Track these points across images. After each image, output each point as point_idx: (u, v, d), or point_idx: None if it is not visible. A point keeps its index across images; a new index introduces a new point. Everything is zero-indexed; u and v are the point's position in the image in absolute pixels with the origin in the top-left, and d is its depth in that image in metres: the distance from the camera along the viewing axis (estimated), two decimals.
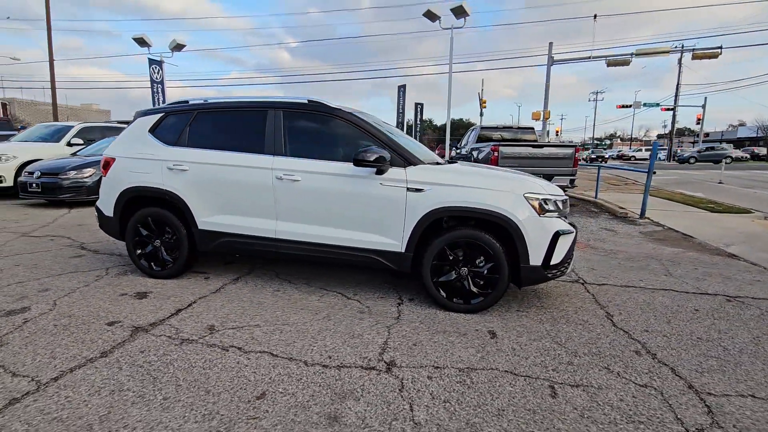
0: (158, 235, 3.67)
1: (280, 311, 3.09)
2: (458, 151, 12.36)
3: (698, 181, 16.77)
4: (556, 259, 3.04)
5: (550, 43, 20.11)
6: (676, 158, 40.68)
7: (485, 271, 3.06)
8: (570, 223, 3.25)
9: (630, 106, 38.26)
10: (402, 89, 12.91)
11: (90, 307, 3.08)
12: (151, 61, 16.83)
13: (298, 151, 3.36)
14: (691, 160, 36.10)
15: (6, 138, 9.88)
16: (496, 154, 8.54)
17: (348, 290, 3.56)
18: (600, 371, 2.36)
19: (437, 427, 1.86)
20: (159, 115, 3.71)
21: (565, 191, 9.41)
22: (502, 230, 3.00)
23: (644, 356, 2.54)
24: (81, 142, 9.02)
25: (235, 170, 3.39)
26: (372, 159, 2.98)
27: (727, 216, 8.07)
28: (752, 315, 3.21)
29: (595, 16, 20.08)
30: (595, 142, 78.15)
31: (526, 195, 2.97)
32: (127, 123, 4.05)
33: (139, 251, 3.72)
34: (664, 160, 44.82)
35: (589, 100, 63.36)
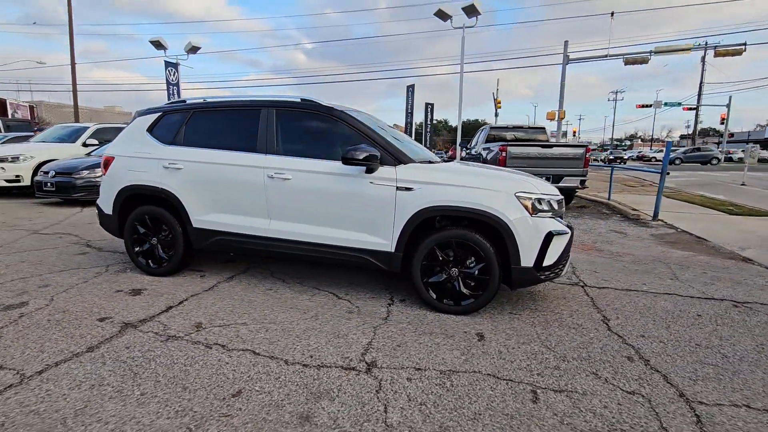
0: (155, 233, 3.72)
1: (269, 310, 3.09)
2: (468, 151, 12.24)
3: (720, 183, 16.21)
4: (549, 261, 2.96)
5: (566, 42, 19.76)
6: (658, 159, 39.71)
7: (476, 272, 3.00)
8: (567, 224, 3.17)
9: (650, 105, 37.30)
10: (410, 89, 12.87)
11: (85, 303, 3.14)
12: (167, 64, 17.21)
13: (290, 150, 3.36)
14: (677, 161, 35.49)
15: (26, 139, 10.21)
16: (504, 154, 8.42)
17: (340, 290, 3.55)
18: (587, 377, 2.28)
19: (409, 430, 1.82)
20: (156, 115, 3.77)
21: (575, 192, 9.30)
22: (493, 230, 2.94)
23: (636, 362, 2.45)
24: (96, 142, 9.26)
25: (228, 169, 3.42)
26: (361, 157, 2.96)
27: (746, 219, 7.77)
28: (758, 321, 3.06)
29: (612, 14, 19.64)
30: (615, 142, 76.46)
31: (517, 194, 2.90)
32: None
33: (137, 249, 3.78)
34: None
35: (609, 100, 62.04)
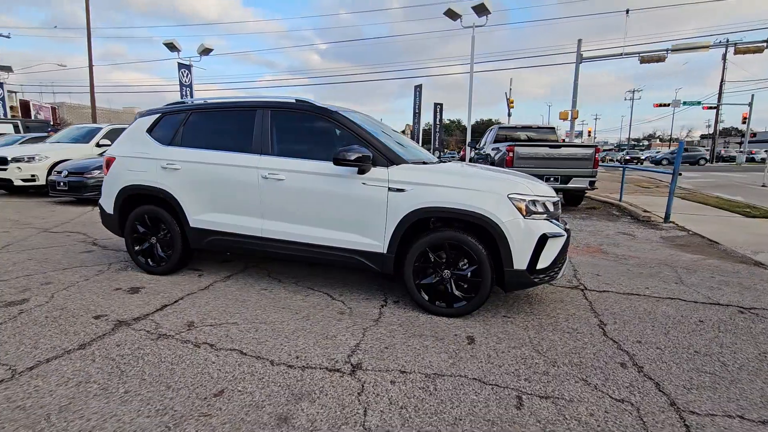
0: (154, 232, 3.78)
1: (261, 310, 3.10)
2: (477, 151, 12.13)
3: (739, 184, 15.75)
4: (543, 264, 2.90)
5: (579, 40, 19.43)
6: (650, 160, 40.08)
7: (468, 275, 2.96)
8: (563, 226, 3.11)
9: (669, 104, 36.41)
10: (418, 89, 12.78)
11: (83, 301, 3.20)
12: (180, 65, 17.51)
13: (284, 151, 3.37)
14: (664, 162, 35.64)
15: (42, 139, 10.49)
16: (511, 154, 8.33)
17: (335, 291, 3.54)
18: (576, 383, 2.22)
19: None
20: (156, 116, 3.82)
21: (585, 193, 9.13)
22: (485, 232, 2.90)
23: (629, 369, 2.38)
24: (109, 143, 9.45)
25: (223, 169, 3.45)
26: (352, 158, 2.95)
27: (764, 221, 7.52)
28: (764, 328, 2.95)
29: (627, 11, 19.24)
30: (632, 142, 74.91)
31: (510, 196, 2.85)
32: None
33: (137, 247, 3.84)
34: (705, 163, 42.45)
35: (625, 99, 60.79)
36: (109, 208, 3.88)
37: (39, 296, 3.28)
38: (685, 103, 36.04)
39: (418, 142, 13.25)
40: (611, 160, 42.74)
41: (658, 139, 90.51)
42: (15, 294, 3.31)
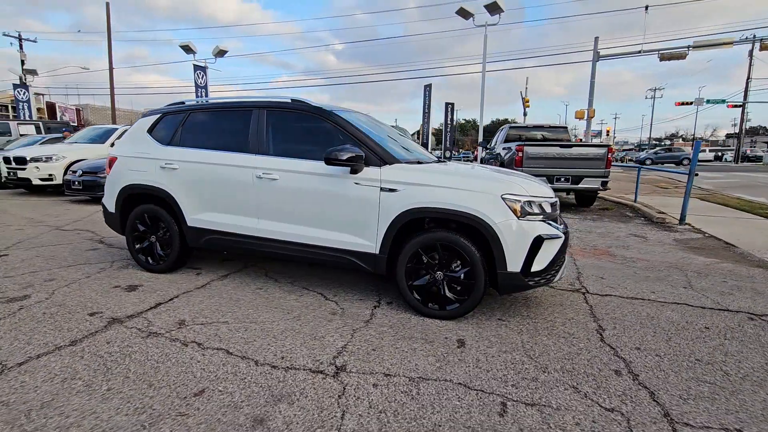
0: (154, 231, 3.82)
1: (253, 309, 3.10)
2: (488, 151, 11.98)
3: (764, 185, 15.15)
4: (538, 266, 2.82)
5: (596, 38, 19.01)
6: (633, 159, 39.54)
7: (461, 276, 2.89)
8: (562, 228, 3.02)
9: (691, 103, 35.32)
10: (427, 88, 12.67)
11: (81, 298, 3.25)
12: (196, 67, 17.82)
13: (280, 150, 3.37)
14: (647, 162, 35.14)
15: (60, 140, 10.80)
16: (520, 154, 8.19)
17: (329, 291, 3.52)
18: (565, 390, 2.14)
19: None
20: (157, 116, 3.87)
21: (597, 194, 8.91)
22: (478, 233, 2.83)
23: (624, 376, 2.29)
24: None
25: (220, 169, 3.46)
26: (344, 158, 2.92)
27: None
28: None
29: (646, 8, 18.74)
30: (653, 142, 72.99)
31: (504, 196, 2.78)
32: None
33: (137, 246, 3.90)
34: (731, 161, 41.12)
35: (646, 98, 59.25)
36: (111, 207, 3.95)
37: (40, 293, 3.35)
38: (708, 101, 34.92)
39: (427, 142, 13.16)
40: (630, 160, 41.75)
41: (680, 139, 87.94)
42: (18, 290, 3.39)
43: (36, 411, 1.90)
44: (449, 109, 14.82)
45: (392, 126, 12.60)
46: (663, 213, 7.97)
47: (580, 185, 8.16)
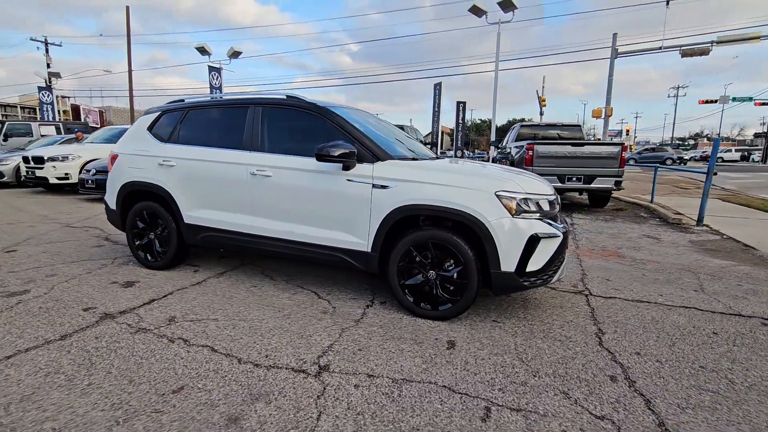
0: (152, 228, 3.85)
1: (245, 307, 3.08)
2: (500, 150, 11.79)
3: None
4: (534, 266, 2.71)
5: (614, 34, 18.51)
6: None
7: (455, 276, 2.81)
8: (562, 226, 2.90)
9: (716, 101, 34.15)
10: (437, 87, 12.54)
11: (78, 293, 3.29)
12: (211, 68, 18.09)
13: (274, 147, 3.34)
14: (630, 162, 34.19)
15: (75, 140, 11.08)
16: (530, 153, 8.01)
17: (323, 289, 3.48)
18: (555, 396, 2.05)
19: None
20: (156, 114, 3.90)
21: (611, 194, 8.65)
22: (471, 232, 2.75)
23: (620, 383, 2.17)
24: None
25: (215, 166, 3.46)
26: (336, 154, 2.87)
27: None
28: None
29: (667, 2, 18.15)
30: (676, 142, 70.90)
31: (498, 193, 2.69)
32: None
33: (137, 242, 3.93)
34: (758, 161, 39.66)
35: (669, 96, 57.63)
36: (112, 204, 4.00)
37: (40, 287, 3.40)
38: (734, 99, 33.69)
39: (437, 142, 13.03)
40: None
41: (705, 138, 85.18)
42: (19, 285, 3.46)
43: (15, 404, 1.90)
44: (461, 108, 14.66)
45: (405, 126, 12.55)
46: (680, 214, 7.68)
47: (592, 185, 7.94)
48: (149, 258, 3.89)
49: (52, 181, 9.08)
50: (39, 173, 9.09)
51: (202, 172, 3.51)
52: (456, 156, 15.72)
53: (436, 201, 2.74)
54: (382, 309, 3.08)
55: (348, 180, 3.00)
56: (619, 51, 18.72)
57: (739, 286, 3.76)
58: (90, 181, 8.10)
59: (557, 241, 2.80)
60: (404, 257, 2.91)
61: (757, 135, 70.98)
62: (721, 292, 3.58)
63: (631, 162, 34.99)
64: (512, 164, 9.01)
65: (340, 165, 2.98)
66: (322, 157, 2.88)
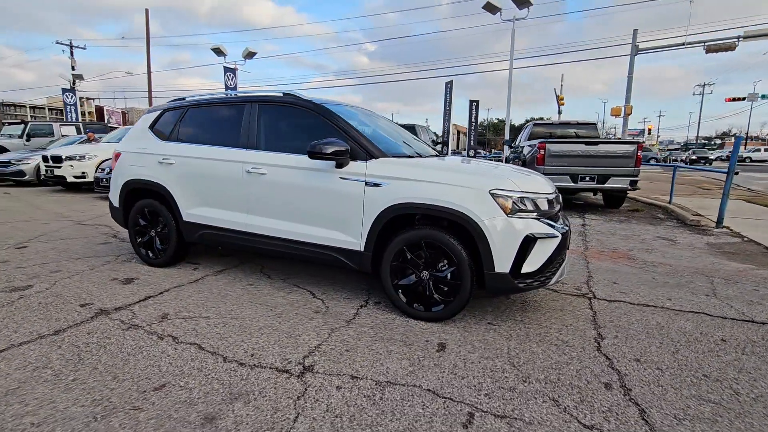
0: (153, 225, 3.89)
1: (238, 305, 3.07)
2: (513, 149, 11.59)
3: None
4: (530, 267, 2.62)
5: (635, 30, 18.01)
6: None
7: (448, 276, 2.74)
8: (562, 226, 2.80)
9: (743, 99, 32.90)
10: (448, 86, 12.39)
11: (78, 289, 3.34)
12: (226, 69, 18.35)
13: (270, 145, 3.33)
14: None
15: (88, 140, 11.37)
16: (542, 152, 7.84)
17: (318, 288, 3.45)
18: (543, 402, 1.96)
19: None
20: (158, 113, 3.94)
21: (626, 194, 8.39)
22: (465, 231, 2.67)
23: (614, 391, 2.07)
24: None
25: (213, 164, 3.47)
26: (328, 152, 2.83)
27: None
28: None
29: None
30: (702, 141, 68.60)
31: (492, 192, 2.60)
32: None
33: (138, 240, 3.98)
34: None
35: (694, 94, 55.82)
36: (116, 201, 4.06)
37: (43, 283, 3.47)
38: (763, 96, 32.42)
39: (448, 141, 12.90)
40: (674, 160, 39.44)
41: (733, 137, 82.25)
42: (24, 280, 3.53)
43: None
44: (473, 106, 14.48)
45: (417, 125, 12.46)
46: (699, 215, 7.40)
47: (606, 185, 7.72)
48: (150, 255, 3.93)
49: (70, 179, 9.33)
50: (57, 172, 9.36)
51: (200, 170, 3.52)
52: (469, 155, 15.54)
53: (428, 199, 2.68)
54: (376, 309, 3.03)
55: (341, 178, 2.96)
56: (639, 47, 18.20)
57: (755, 291, 3.58)
58: (104, 180, 8.28)
59: (555, 242, 2.69)
60: (397, 257, 2.85)
61: None
62: (735, 297, 3.41)
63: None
64: (524, 163, 8.84)
65: (333, 163, 2.94)
66: (314, 155, 2.85)
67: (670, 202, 8.88)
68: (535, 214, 2.67)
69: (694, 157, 37.81)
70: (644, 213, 8.04)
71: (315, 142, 2.86)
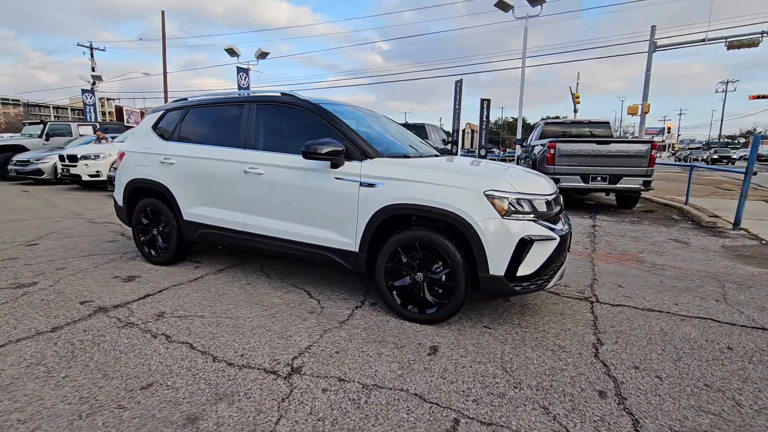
0: (155, 224, 3.94)
1: (234, 304, 3.08)
2: (524, 149, 11.42)
3: None
4: (525, 270, 2.56)
5: (653, 27, 17.55)
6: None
7: (443, 278, 2.69)
8: (561, 228, 2.73)
9: (767, 96, 31.80)
10: (458, 84, 12.27)
11: (80, 287, 3.39)
12: (239, 69, 18.54)
13: (268, 145, 3.33)
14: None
15: (97, 140, 11.61)
16: (552, 151, 7.69)
17: (316, 289, 3.44)
18: (533, 410, 1.90)
19: None
20: (161, 113, 3.98)
21: (640, 195, 8.18)
22: (459, 233, 2.62)
23: (608, 399, 2.00)
24: None
25: (211, 163, 3.49)
26: (323, 152, 2.81)
27: None
28: None
29: None
30: (725, 140, 66.61)
31: (487, 193, 2.55)
32: None
33: (141, 238, 4.03)
34: None
35: (717, 92, 54.20)
36: (120, 200, 4.12)
37: (47, 280, 3.54)
38: None
39: (458, 140, 12.78)
40: (695, 160, 38.41)
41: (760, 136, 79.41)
42: (30, 277, 3.61)
43: None
44: (485, 105, 14.30)
45: (427, 125, 12.37)
46: (715, 216, 7.16)
47: (618, 185, 7.53)
48: (153, 253, 3.98)
49: (85, 178, 9.55)
50: (73, 171, 9.59)
51: (199, 170, 3.55)
52: (480, 154, 15.38)
53: (421, 200, 2.64)
54: (371, 311, 3.00)
55: (336, 178, 2.94)
56: (657, 44, 17.74)
57: None
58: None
59: (553, 244, 2.62)
60: (392, 258, 2.82)
61: None
62: (746, 303, 3.27)
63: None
64: (534, 162, 8.70)
65: (329, 163, 2.92)
66: (308, 155, 2.84)
67: (686, 203, 8.62)
68: (532, 215, 2.61)
69: (715, 157, 36.71)
70: (658, 214, 7.82)
71: (310, 142, 2.84)
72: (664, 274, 4.00)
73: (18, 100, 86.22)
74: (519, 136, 14.71)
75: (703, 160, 38.67)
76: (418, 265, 2.77)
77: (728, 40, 16.92)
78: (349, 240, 2.93)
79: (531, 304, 3.19)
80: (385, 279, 2.85)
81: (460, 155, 12.45)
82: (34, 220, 6.29)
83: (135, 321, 2.77)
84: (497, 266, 2.52)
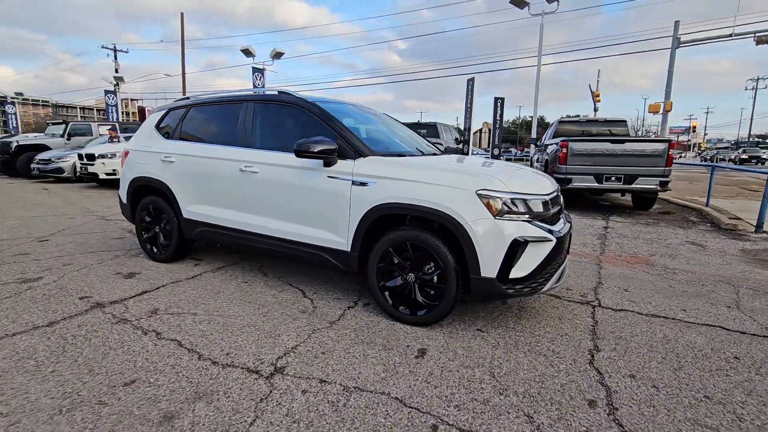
0: (157, 221, 3.99)
1: (228, 302, 3.08)
2: (538, 148, 11.19)
3: None
4: (519, 272, 2.47)
5: (676, 22, 16.97)
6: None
7: (435, 280, 2.63)
8: (559, 229, 2.64)
9: None
10: (470, 82, 12.09)
11: (82, 282, 3.46)
12: (254, 70, 18.76)
13: (264, 143, 3.33)
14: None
15: (109, 139, 11.88)
16: (564, 150, 7.50)
17: (311, 288, 3.42)
18: (516, 418, 1.83)
19: None
20: (164, 112, 4.03)
21: (656, 195, 7.90)
22: (450, 233, 2.55)
23: (598, 409, 1.91)
24: None
25: (209, 161, 3.51)
26: (315, 150, 2.79)
27: None
28: None
29: None
30: (755, 139, 64.00)
31: (479, 192, 2.47)
32: None
33: (144, 235, 4.09)
34: None
35: (746, 89, 52.13)
36: (124, 198, 4.19)
37: (53, 275, 3.62)
38: None
39: (469, 139, 12.61)
40: (722, 160, 37.07)
41: None
42: (36, 272, 3.70)
43: None
44: (498, 104, 14.08)
45: (438, 124, 12.26)
46: (737, 218, 6.85)
47: (633, 185, 7.29)
48: (155, 250, 4.04)
49: (102, 176, 9.81)
50: (91, 169, 9.86)
51: (198, 168, 3.57)
52: (493, 154, 15.15)
53: (412, 199, 2.58)
54: (363, 311, 2.96)
55: (329, 177, 2.91)
56: (681, 40, 17.15)
57: None
58: None
59: (549, 246, 2.53)
60: (384, 258, 2.77)
61: None
62: (761, 310, 3.10)
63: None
64: (547, 162, 8.51)
65: (321, 161, 2.89)
66: (300, 153, 2.81)
67: (707, 205, 8.29)
68: (527, 216, 2.52)
69: (744, 156, 35.32)
70: (676, 216, 7.54)
71: (302, 140, 2.82)
72: (674, 278, 3.84)
73: (47, 101, 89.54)
74: (534, 135, 14.42)
75: (730, 159, 37.26)
76: (409, 266, 2.71)
77: (757, 35, 16.22)
78: (342, 239, 2.90)
79: (529, 307, 3.10)
80: (376, 279, 2.81)
81: (472, 154, 12.34)
82: (50, 216, 6.48)
83: (129, 317, 2.80)
84: (489, 268, 2.45)
